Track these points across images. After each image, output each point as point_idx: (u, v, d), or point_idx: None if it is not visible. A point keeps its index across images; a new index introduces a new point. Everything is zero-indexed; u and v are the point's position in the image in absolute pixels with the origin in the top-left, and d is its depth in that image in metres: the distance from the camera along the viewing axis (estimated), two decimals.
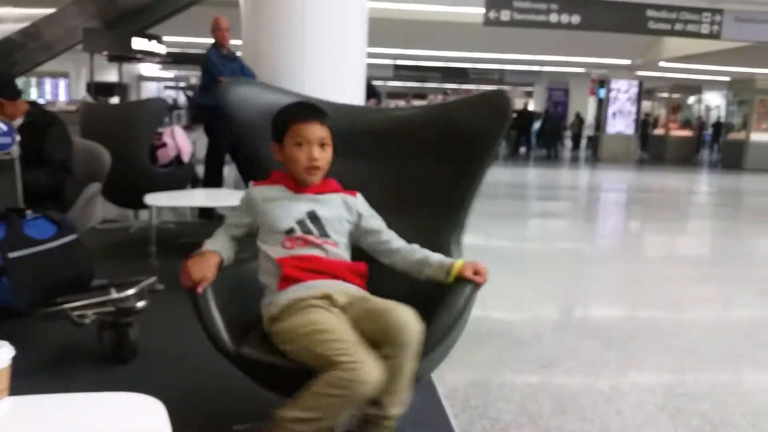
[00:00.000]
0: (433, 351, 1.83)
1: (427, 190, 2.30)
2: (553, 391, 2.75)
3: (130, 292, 2.86)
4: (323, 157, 2.01)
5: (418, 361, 1.74)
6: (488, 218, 7.52)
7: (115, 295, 2.85)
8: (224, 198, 4.90)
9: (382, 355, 1.70)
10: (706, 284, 4.91)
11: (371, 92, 8.52)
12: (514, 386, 2.79)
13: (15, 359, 1.16)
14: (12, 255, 2.57)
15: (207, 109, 6.06)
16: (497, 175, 13.89)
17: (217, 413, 2.40)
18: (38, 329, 3.12)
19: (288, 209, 1.99)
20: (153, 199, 4.48)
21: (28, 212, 2.85)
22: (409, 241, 2.09)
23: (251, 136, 2.42)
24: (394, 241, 2.08)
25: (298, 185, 2.03)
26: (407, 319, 1.74)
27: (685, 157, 20.58)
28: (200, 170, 6.45)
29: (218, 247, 1.99)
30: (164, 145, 5.51)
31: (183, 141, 5.65)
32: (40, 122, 3.59)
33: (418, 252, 2.04)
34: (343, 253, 2.01)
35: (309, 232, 1.96)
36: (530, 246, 6.56)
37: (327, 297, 1.87)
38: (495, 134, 2.17)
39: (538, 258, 5.83)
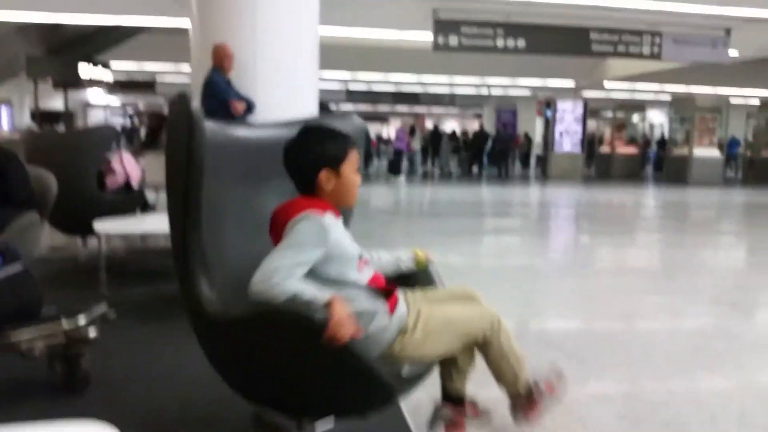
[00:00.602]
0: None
1: None
2: None
3: (82, 321, 2.77)
4: None
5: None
6: (443, 236, 7.55)
7: (65, 325, 2.76)
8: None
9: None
10: (656, 295, 5.01)
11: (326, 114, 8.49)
12: (475, 400, 2.78)
13: None
14: None
15: None
16: (451, 194, 14.01)
17: None
18: None
19: (344, 233, 2.05)
20: (102, 226, 4.37)
21: None
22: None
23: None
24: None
25: (336, 211, 2.05)
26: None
27: (632, 173, 21.11)
28: (150, 196, 6.33)
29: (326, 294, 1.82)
30: (113, 171, 5.39)
31: (132, 167, 5.54)
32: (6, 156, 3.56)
33: (383, 254, 2.25)
34: None
35: (360, 251, 2.08)
36: (485, 262, 6.61)
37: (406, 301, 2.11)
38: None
39: (493, 274, 5.87)
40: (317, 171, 1.98)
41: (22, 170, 3.61)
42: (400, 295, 2.10)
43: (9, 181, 3.50)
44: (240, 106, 5.36)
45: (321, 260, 1.91)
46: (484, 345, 2.12)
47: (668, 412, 2.70)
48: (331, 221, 1.97)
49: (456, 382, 2.31)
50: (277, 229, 1.97)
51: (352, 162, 2.03)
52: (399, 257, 2.27)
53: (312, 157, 1.99)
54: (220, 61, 5.89)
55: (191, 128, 1.91)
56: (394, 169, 17.78)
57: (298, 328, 1.78)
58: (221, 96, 5.72)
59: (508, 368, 2.15)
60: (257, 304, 1.82)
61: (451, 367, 2.26)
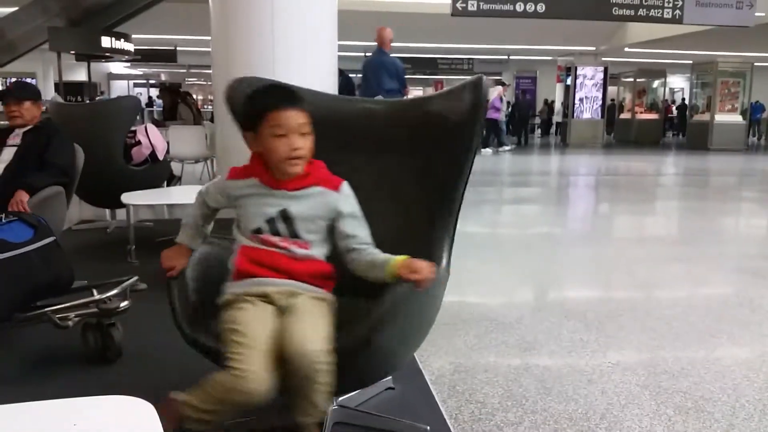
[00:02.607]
0: (370, 352, 1.83)
1: (406, 185, 2.27)
2: (536, 374, 2.79)
3: (113, 292, 2.85)
4: (305, 145, 1.89)
5: (327, 380, 1.73)
6: (463, 205, 7.55)
7: (97, 296, 2.84)
8: None
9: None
10: (678, 263, 5.01)
11: (349, 85, 8.43)
12: (498, 370, 2.84)
13: None
14: None
15: None
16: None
17: None
18: (19, 334, 3.08)
19: (260, 206, 1.93)
20: (129, 198, 4.45)
21: (3, 216, 2.82)
22: (396, 240, 2.01)
23: None
24: (362, 250, 1.95)
25: (275, 179, 1.93)
26: (305, 350, 1.69)
27: (652, 139, 20.90)
28: (176, 167, 6.40)
29: (185, 239, 2.13)
30: (138, 143, 5.45)
31: (157, 138, 5.60)
32: (45, 130, 3.66)
33: (371, 254, 1.94)
34: (313, 253, 1.95)
35: (276, 232, 1.92)
36: (505, 231, 6.63)
37: (265, 296, 1.88)
38: (469, 124, 2.11)
39: (513, 243, 5.90)
40: (242, 130, 2.01)
41: (64, 143, 3.70)
42: (283, 287, 1.90)
43: (48, 150, 3.59)
44: (407, 91, 6.44)
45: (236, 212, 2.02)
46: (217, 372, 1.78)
47: (690, 382, 2.73)
48: (238, 189, 1.97)
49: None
50: None
51: (271, 126, 1.86)
52: (376, 263, 1.91)
53: (240, 116, 2.04)
54: (388, 43, 6.20)
55: None
56: (498, 141, 17.01)
57: None
58: (401, 76, 6.13)
59: (203, 407, 1.77)
60: None
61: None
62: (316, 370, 1.70)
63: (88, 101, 12.68)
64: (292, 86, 2.12)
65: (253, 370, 1.67)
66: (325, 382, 1.73)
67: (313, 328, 1.78)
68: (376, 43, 7.77)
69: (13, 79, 21.09)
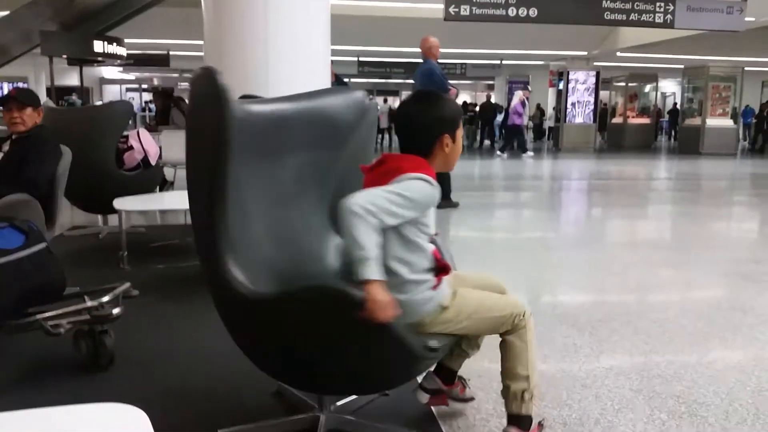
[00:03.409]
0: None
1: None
2: None
3: (105, 299, 2.83)
4: None
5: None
6: (455, 210, 7.57)
7: (89, 303, 2.82)
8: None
9: None
10: (670, 268, 5.03)
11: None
12: (492, 376, 2.82)
13: None
14: None
15: None
16: (463, 167, 13.98)
17: (201, 417, 2.39)
18: (11, 342, 3.06)
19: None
20: (122, 203, 4.43)
21: None
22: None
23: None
24: None
25: None
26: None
27: (644, 143, 20.99)
28: (168, 172, 6.38)
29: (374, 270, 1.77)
30: (130, 148, 5.43)
31: (149, 143, 5.58)
32: (31, 140, 3.64)
33: None
34: None
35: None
36: (498, 236, 6.63)
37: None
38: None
39: (506, 247, 5.90)
40: (440, 133, 2.03)
41: (42, 159, 3.64)
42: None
43: (24, 164, 3.55)
44: (454, 92, 6.71)
45: (409, 223, 1.96)
46: (508, 333, 2.10)
47: (683, 386, 2.73)
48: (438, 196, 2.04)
49: (454, 359, 2.37)
50: (381, 170, 2.00)
51: (461, 129, 2.12)
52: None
53: (438, 118, 2.05)
54: (435, 51, 7.00)
55: (221, 103, 1.91)
56: (520, 147, 17.03)
57: (334, 303, 1.81)
58: (440, 83, 6.64)
59: (521, 368, 2.10)
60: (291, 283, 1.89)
61: (455, 345, 2.27)
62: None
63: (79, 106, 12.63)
64: None
65: (518, 308, 2.11)
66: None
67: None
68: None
69: (12, 84, 21.10)
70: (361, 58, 21.68)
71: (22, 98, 3.66)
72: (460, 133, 2.11)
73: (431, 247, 2.06)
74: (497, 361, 3.00)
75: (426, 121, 2.04)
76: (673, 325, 3.55)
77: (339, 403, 2.34)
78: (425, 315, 2.03)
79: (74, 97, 18.97)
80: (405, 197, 1.85)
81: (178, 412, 2.41)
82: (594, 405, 2.55)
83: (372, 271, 1.74)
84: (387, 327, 1.78)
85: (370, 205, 1.77)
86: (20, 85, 19.99)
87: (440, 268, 2.06)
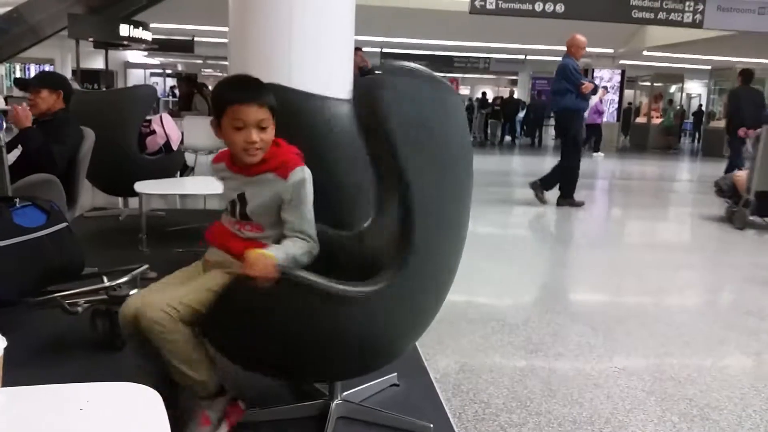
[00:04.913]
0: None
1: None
2: (542, 376, 2.79)
3: (123, 280, 2.87)
4: (263, 138, 1.98)
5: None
6: (474, 206, 7.53)
7: (107, 283, 2.86)
8: (215, 186, 4.90)
9: None
10: (689, 270, 4.99)
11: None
12: (503, 371, 2.83)
13: (7, 350, 1.16)
14: (1, 244, 2.57)
15: (563, 112, 7.26)
16: (483, 163, 13.92)
17: None
18: (29, 319, 3.11)
19: (227, 189, 2.13)
20: (142, 186, 4.47)
21: (17, 201, 2.84)
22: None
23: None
24: (288, 237, 2.02)
25: (236, 164, 2.08)
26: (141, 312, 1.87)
27: (667, 145, 20.75)
28: (189, 158, 6.43)
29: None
30: (153, 132, 5.48)
31: (172, 128, 5.62)
32: (51, 125, 3.67)
33: (284, 242, 2.02)
34: (263, 235, 2.05)
35: (234, 214, 2.09)
36: (516, 232, 6.61)
37: (216, 265, 2.08)
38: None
39: (524, 245, 5.88)
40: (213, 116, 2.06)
41: (63, 135, 3.70)
42: (219, 255, 2.10)
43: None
44: (588, 87, 6.97)
45: None
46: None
47: (696, 389, 2.72)
48: (217, 171, 2.18)
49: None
50: None
51: (231, 118, 1.96)
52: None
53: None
54: (576, 50, 7.25)
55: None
56: (596, 144, 16.71)
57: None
58: (573, 78, 7.00)
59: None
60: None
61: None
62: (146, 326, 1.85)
63: (104, 89, 12.75)
64: (258, 81, 2.10)
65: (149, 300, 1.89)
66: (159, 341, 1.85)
67: (182, 291, 1.93)
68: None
69: (39, 66, 21.32)
70: (384, 50, 21.63)
71: (37, 81, 3.74)
72: (227, 124, 1.98)
73: (228, 225, 2.11)
74: (509, 356, 3.01)
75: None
76: (689, 328, 3.52)
77: (349, 391, 2.35)
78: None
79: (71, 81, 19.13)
80: None
81: (190, 394, 2.43)
82: (605, 404, 2.54)
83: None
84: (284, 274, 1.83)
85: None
86: (47, 67, 20.20)
87: (207, 236, 2.17)
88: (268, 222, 2.06)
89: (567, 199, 7.48)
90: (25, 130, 3.55)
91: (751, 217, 6.64)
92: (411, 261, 1.88)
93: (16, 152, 3.63)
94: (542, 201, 7.68)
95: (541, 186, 7.71)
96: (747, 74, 9.72)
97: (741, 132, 7.71)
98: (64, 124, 3.70)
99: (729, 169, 8.63)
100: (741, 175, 6.82)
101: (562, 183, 7.47)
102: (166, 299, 1.86)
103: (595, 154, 16.48)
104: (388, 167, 2.11)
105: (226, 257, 2.06)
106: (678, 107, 23.05)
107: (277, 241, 2.03)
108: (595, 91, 7.34)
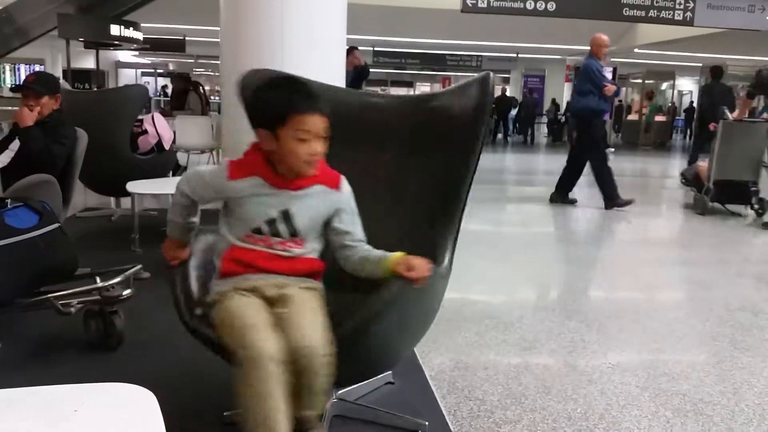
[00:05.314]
0: (369, 342, 1.86)
1: (408, 183, 2.25)
2: (536, 373, 2.80)
3: (116, 280, 2.86)
4: (323, 149, 1.85)
5: (328, 372, 1.73)
6: (469, 203, 7.54)
7: (100, 283, 2.85)
8: None
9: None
10: (681, 267, 5.01)
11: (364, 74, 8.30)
12: (498, 368, 2.84)
13: (0, 351, 1.15)
14: None
15: (584, 112, 7.18)
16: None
17: (208, 400, 2.41)
18: (22, 320, 3.10)
19: (262, 206, 1.88)
20: (135, 186, 4.46)
21: (8, 202, 2.83)
22: (396, 238, 2.03)
23: None
24: (355, 246, 1.96)
25: (279, 178, 1.87)
26: (306, 343, 1.70)
27: (660, 141, 20.82)
28: (182, 157, 6.41)
29: (175, 234, 2.10)
30: (145, 132, 5.47)
31: (163, 128, 5.61)
32: (47, 126, 3.65)
33: (365, 251, 1.95)
34: (307, 250, 1.95)
35: (276, 233, 1.89)
36: (509, 230, 6.62)
37: (253, 289, 1.88)
38: (475, 121, 2.08)
39: (517, 242, 5.89)
40: (255, 126, 1.87)
41: (55, 140, 3.68)
42: (271, 280, 1.90)
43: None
44: (611, 89, 6.93)
45: (227, 207, 1.94)
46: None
47: (689, 385, 2.73)
48: (240, 190, 1.87)
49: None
50: None
51: (294, 128, 1.79)
52: (369, 258, 1.93)
53: (253, 111, 1.90)
54: (597, 49, 7.20)
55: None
56: None
57: None
58: (596, 79, 6.94)
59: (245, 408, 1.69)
60: None
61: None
62: (319, 363, 1.70)
63: (95, 89, 12.69)
64: (311, 83, 2.05)
65: (261, 345, 1.66)
66: (326, 374, 1.73)
67: (311, 319, 1.78)
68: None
69: (29, 67, 21.14)
70: (376, 48, 21.63)
71: (39, 87, 3.66)
72: (287, 134, 1.80)
73: (252, 246, 1.90)
74: (504, 353, 3.02)
75: (249, 108, 1.93)
76: (682, 324, 3.54)
77: (344, 389, 2.35)
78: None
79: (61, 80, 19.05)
80: (201, 174, 2.00)
81: (186, 394, 2.43)
82: (599, 400, 2.55)
83: (168, 230, 2.10)
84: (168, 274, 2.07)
85: (186, 175, 2.06)
86: (37, 67, 20.06)
87: (233, 264, 1.90)
88: (313, 236, 1.96)
89: (614, 200, 7.29)
90: (26, 129, 3.53)
91: (711, 204, 7.26)
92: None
93: (10, 153, 3.60)
94: (572, 203, 7.64)
95: (561, 193, 7.68)
96: (717, 71, 10.57)
97: (711, 126, 7.92)
98: (60, 124, 3.68)
99: (692, 161, 9.30)
100: (703, 165, 7.46)
101: (602, 186, 7.35)
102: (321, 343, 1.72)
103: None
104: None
105: (272, 278, 1.90)
106: (670, 104, 23.14)
107: (320, 256, 1.99)
108: (617, 93, 7.31)
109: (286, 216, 1.89)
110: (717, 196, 7.21)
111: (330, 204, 1.95)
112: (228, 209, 1.94)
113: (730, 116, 7.27)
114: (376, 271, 1.88)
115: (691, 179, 7.76)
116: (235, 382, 1.69)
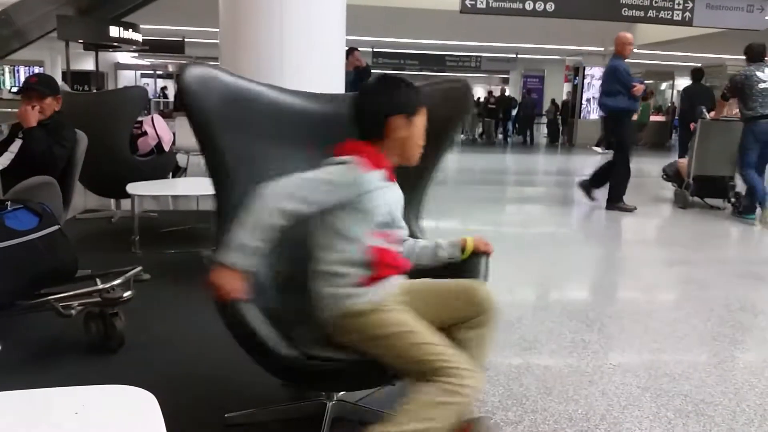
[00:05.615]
0: None
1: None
2: (537, 373, 2.80)
3: (116, 282, 2.86)
4: None
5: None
6: (468, 203, 7.55)
7: (100, 285, 2.84)
8: (207, 187, 4.88)
9: (454, 337, 1.85)
10: (682, 267, 5.00)
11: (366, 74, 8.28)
12: (499, 369, 2.83)
13: (1, 354, 1.15)
14: None
15: (616, 112, 7.10)
16: (476, 161, 13.94)
17: (209, 401, 2.41)
18: (23, 322, 3.09)
19: (385, 199, 1.88)
20: (135, 188, 4.46)
21: (8, 204, 2.83)
22: None
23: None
24: (408, 240, 2.12)
25: (389, 171, 1.93)
26: (488, 292, 1.96)
27: (659, 141, 20.82)
28: (182, 159, 6.41)
29: (242, 262, 1.70)
30: (144, 133, 5.46)
31: (163, 129, 5.61)
32: (48, 128, 3.64)
33: (420, 240, 2.15)
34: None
35: (397, 225, 1.96)
36: (510, 230, 6.61)
37: (392, 296, 1.88)
38: (456, 122, 2.35)
39: (517, 242, 5.88)
40: (390, 114, 1.88)
41: (60, 144, 3.68)
42: (397, 282, 1.93)
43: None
44: (640, 89, 6.85)
45: (343, 209, 1.82)
46: (427, 379, 1.69)
47: (691, 385, 2.72)
48: (374, 182, 1.83)
49: None
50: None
51: (423, 116, 1.95)
52: (438, 244, 2.10)
53: (387, 100, 1.91)
54: (622, 48, 7.06)
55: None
56: None
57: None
58: (625, 80, 6.88)
59: (413, 422, 1.65)
60: None
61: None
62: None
63: (95, 91, 12.69)
64: None
65: (468, 366, 1.71)
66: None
67: (477, 282, 2.07)
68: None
69: (29, 69, 21.14)
70: (375, 49, 21.64)
71: (42, 88, 3.68)
72: (419, 121, 1.93)
73: (380, 245, 1.86)
74: (504, 354, 3.01)
75: (375, 103, 1.92)
76: (683, 325, 3.53)
77: (345, 391, 2.35)
78: (336, 313, 1.82)
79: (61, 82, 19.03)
80: (319, 181, 1.77)
81: (187, 396, 2.43)
82: (600, 401, 2.55)
83: (230, 256, 1.68)
84: (235, 314, 1.80)
85: (270, 192, 1.70)
86: (36, 69, 20.07)
87: (383, 267, 1.86)
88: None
89: (616, 203, 7.31)
90: (29, 130, 3.53)
91: (691, 198, 7.63)
92: None
93: (9, 155, 3.60)
94: (592, 199, 7.65)
95: (590, 185, 7.67)
96: (697, 73, 10.98)
97: (692, 126, 7.99)
98: (61, 126, 3.68)
99: (681, 158, 9.44)
100: (683, 162, 7.90)
101: (612, 186, 7.33)
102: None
103: (595, 147, 16.52)
104: None
105: (399, 280, 1.95)
106: (669, 104, 23.14)
107: None
108: (645, 92, 7.27)
109: (396, 207, 1.98)
110: (696, 190, 7.63)
111: (401, 196, 2.03)
112: (347, 211, 1.83)
113: (708, 116, 7.58)
114: (453, 254, 2.11)
115: (672, 175, 8.16)
116: (413, 397, 1.67)
